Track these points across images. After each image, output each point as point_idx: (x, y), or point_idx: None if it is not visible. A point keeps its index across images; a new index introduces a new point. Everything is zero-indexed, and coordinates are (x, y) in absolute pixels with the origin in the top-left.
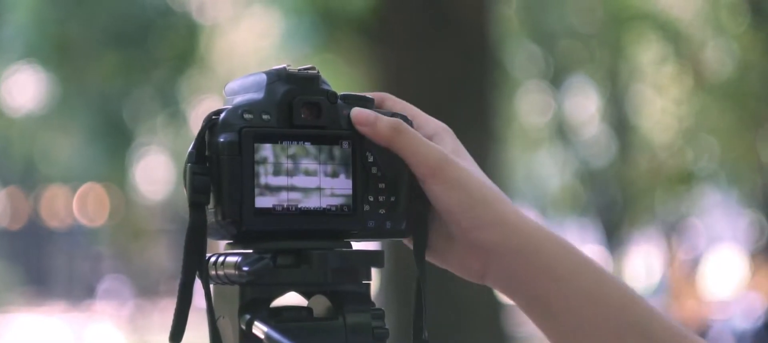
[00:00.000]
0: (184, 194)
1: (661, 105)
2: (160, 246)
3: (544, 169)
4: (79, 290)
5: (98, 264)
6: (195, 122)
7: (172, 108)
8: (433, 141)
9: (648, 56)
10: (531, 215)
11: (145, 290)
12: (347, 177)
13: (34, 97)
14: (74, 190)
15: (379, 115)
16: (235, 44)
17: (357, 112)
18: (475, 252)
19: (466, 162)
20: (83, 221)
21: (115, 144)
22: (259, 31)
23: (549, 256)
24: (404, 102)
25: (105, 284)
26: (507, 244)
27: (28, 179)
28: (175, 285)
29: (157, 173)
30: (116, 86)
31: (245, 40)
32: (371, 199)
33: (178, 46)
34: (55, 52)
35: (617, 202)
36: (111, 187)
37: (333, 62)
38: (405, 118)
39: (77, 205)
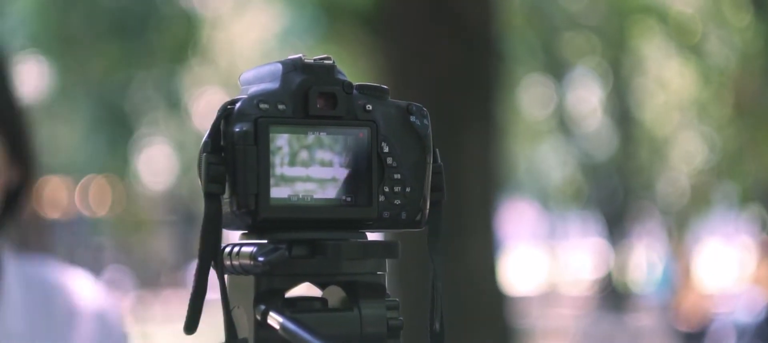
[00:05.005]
0: (185, 184)
1: (664, 98)
2: (161, 237)
3: (547, 161)
4: None
5: (100, 255)
6: (196, 114)
7: (173, 99)
8: None
9: (650, 49)
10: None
11: (147, 280)
12: (363, 167)
13: (35, 88)
14: (76, 181)
15: None
16: (236, 36)
17: None
18: None
19: None
20: (85, 212)
21: (116, 135)
22: (260, 24)
23: None
24: None
25: (107, 275)
26: None
27: None
28: (176, 276)
29: (158, 164)
30: (118, 77)
31: (247, 32)
32: (387, 189)
33: (179, 38)
34: (56, 43)
35: (619, 194)
36: (113, 178)
37: (335, 55)
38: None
39: (79, 196)
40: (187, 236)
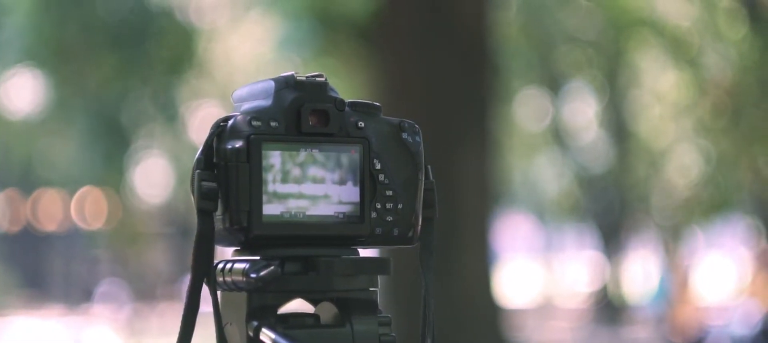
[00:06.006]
0: (181, 197)
1: (659, 111)
2: (157, 250)
3: (543, 174)
4: (76, 294)
5: (95, 268)
6: (193, 126)
7: (169, 112)
8: None
9: (646, 62)
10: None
11: (143, 293)
12: (355, 184)
13: (31, 100)
14: (72, 193)
15: None
16: (233, 49)
17: None
18: None
19: None
20: (81, 225)
21: (112, 148)
22: (257, 36)
23: None
24: None
25: (102, 288)
26: None
27: (26, 182)
28: (172, 289)
29: (154, 176)
30: (114, 90)
31: (243, 44)
32: (378, 206)
33: (175, 50)
34: (52, 56)
35: (615, 207)
36: (108, 190)
37: (331, 68)
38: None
39: (75, 208)
40: (183, 248)
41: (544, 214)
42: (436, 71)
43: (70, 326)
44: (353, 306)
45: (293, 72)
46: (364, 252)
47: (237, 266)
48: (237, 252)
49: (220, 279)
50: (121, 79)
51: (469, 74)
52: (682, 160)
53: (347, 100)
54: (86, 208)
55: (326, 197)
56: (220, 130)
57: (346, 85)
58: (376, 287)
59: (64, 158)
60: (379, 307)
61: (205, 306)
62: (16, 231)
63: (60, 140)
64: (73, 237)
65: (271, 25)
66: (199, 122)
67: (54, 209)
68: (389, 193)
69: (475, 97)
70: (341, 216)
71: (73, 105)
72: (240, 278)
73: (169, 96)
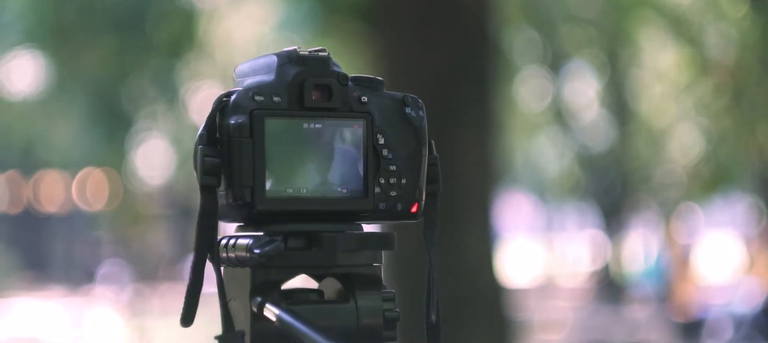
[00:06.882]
0: (182, 178)
1: (661, 90)
2: (158, 231)
3: (544, 154)
4: (78, 275)
5: (97, 249)
6: (193, 107)
7: (170, 93)
8: None
9: (647, 41)
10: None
11: (144, 274)
12: (358, 159)
13: (32, 82)
14: (73, 175)
15: None
16: (233, 29)
17: None
18: None
19: None
20: (82, 206)
21: (113, 129)
22: (257, 16)
23: None
24: None
25: (104, 269)
26: None
27: (27, 163)
28: (174, 270)
29: (155, 157)
30: (114, 71)
31: (244, 25)
32: (382, 181)
33: (176, 31)
34: (53, 37)
35: (616, 186)
36: (110, 172)
37: (332, 48)
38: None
39: (76, 190)
40: (184, 229)
41: (546, 193)
42: (436, 51)
43: (72, 308)
44: (357, 281)
45: (296, 47)
46: (368, 227)
47: (240, 241)
48: (240, 228)
49: (224, 255)
50: (122, 61)
51: (470, 54)
52: (684, 139)
53: (350, 75)
54: (87, 189)
55: (329, 172)
56: (223, 106)
57: (347, 66)
58: (380, 262)
59: (64, 140)
60: (383, 282)
61: (209, 286)
62: (17, 213)
63: (61, 122)
64: (74, 219)
65: (271, 5)
66: (200, 104)
67: (55, 191)
68: (393, 168)
69: (476, 76)
70: (344, 191)
71: (74, 86)
72: (243, 253)
73: (170, 77)
